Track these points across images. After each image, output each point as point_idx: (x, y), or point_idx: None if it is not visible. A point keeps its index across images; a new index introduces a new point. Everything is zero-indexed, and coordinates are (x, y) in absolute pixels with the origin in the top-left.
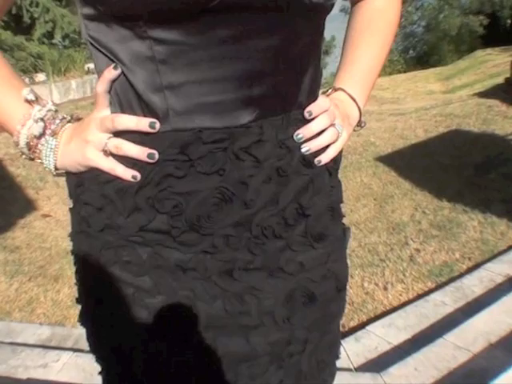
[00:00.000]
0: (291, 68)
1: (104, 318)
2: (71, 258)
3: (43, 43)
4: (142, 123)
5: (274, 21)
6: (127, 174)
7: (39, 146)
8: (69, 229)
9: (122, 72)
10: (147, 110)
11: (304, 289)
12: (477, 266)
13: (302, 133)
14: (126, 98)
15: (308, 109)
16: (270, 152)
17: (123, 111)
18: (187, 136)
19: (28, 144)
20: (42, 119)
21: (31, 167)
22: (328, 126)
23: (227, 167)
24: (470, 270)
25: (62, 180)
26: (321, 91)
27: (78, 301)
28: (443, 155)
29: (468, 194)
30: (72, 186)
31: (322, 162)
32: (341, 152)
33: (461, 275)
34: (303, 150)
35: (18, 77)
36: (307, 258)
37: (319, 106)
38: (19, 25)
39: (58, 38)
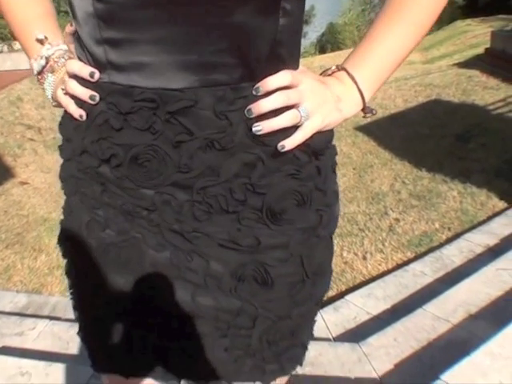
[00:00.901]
0: (236, 37)
1: (68, 241)
2: (48, 225)
3: None
4: (83, 70)
5: None
6: (76, 112)
7: (42, 79)
8: (47, 196)
9: (76, 27)
10: (92, 61)
11: (258, 266)
12: (456, 237)
13: (253, 108)
14: (79, 50)
15: (258, 84)
16: (206, 122)
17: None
18: (120, 90)
19: (37, 76)
20: (46, 57)
21: (9, 134)
22: (283, 105)
23: (158, 127)
24: (449, 241)
25: (40, 147)
26: (323, 69)
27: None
28: (423, 125)
29: (448, 164)
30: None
31: (286, 148)
32: (325, 138)
33: (440, 245)
34: (254, 129)
35: (51, 14)
36: (264, 237)
37: (272, 82)
38: None
39: None
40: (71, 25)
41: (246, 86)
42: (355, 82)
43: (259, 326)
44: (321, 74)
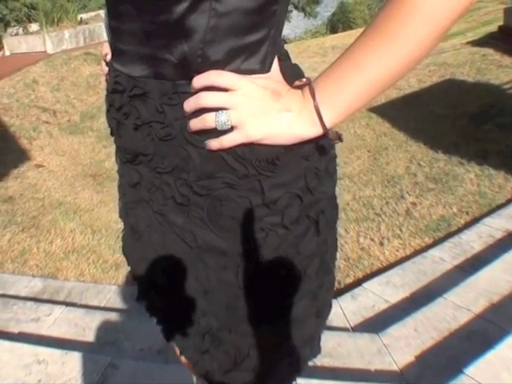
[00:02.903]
0: (173, 34)
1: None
2: (64, 208)
3: None
4: (103, 51)
5: None
6: (106, 82)
7: None
8: (62, 180)
9: None
10: (109, 44)
11: (200, 267)
12: (475, 221)
13: (185, 106)
14: None
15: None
16: (151, 112)
17: None
18: (112, 72)
19: None
20: None
21: (24, 117)
22: (199, 107)
23: (126, 109)
24: (468, 225)
25: (55, 130)
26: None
27: None
28: (437, 105)
29: (463, 146)
30: None
31: (208, 147)
32: (268, 153)
33: (459, 230)
34: (187, 127)
35: None
36: (205, 237)
37: (196, 81)
38: None
39: None
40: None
41: (182, 83)
42: (313, 99)
43: (203, 322)
44: (295, 84)
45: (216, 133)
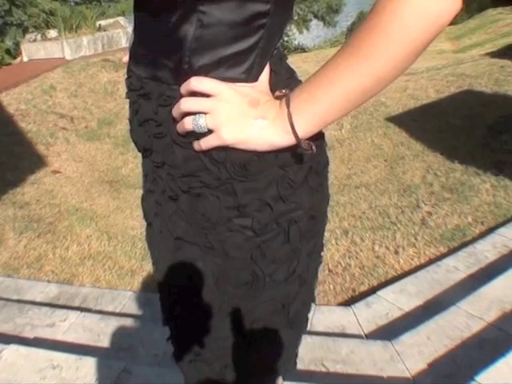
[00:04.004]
0: (169, 42)
1: None
2: (80, 214)
3: None
4: (128, 51)
5: None
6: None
7: None
8: (78, 186)
9: None
10: (130, 49)
11: (180, 252)
12: (490, 231)
13: (172, 111)
14: None
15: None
16: (150, 110)
17: None
18: (128, 71)
19: None
20: None
21: (42, 123)
22: (181, 111)
23: (136, 106)
24: (482, 235)
25: (73, 136)
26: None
27: None
28: (455, 116)
29: (480, 156)
30: None
31: (196, 148)
32: (241, 157)
33: (473, 240)
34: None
35: None
36: (183, 228)
37: (182, 87)
38: None
39: None
40: None
41: (176, 87)
42: (287, 107)
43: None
44: (276, 95)
45: (196, 135)
